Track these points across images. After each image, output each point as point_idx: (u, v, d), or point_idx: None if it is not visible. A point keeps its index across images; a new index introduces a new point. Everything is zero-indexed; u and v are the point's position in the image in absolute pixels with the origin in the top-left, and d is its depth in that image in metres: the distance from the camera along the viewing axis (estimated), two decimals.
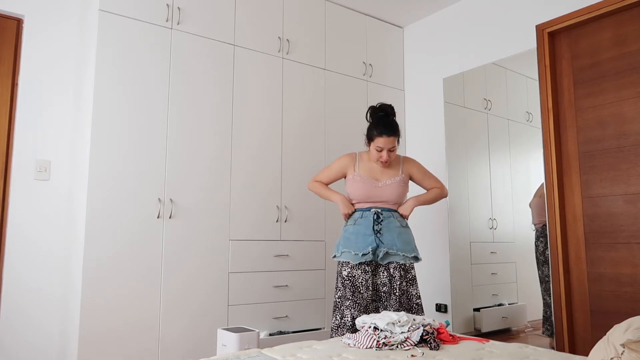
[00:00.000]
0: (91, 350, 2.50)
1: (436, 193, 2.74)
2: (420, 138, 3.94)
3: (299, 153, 3.39)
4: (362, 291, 2.52)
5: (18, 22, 2.82)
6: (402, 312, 2.08)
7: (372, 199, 2.62)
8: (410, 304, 2.55)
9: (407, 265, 2.58)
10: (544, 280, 3.12)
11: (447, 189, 2.83)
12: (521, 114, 3.40)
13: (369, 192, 2.62)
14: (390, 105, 2.72)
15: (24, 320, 2.68)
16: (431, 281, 3.70)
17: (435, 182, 2.77)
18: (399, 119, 3.99)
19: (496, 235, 3.52)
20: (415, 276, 2.61)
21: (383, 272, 2.56)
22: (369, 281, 2.54)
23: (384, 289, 2.55)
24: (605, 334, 1.46)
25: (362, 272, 2.54)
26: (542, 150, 3.05)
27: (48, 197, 2.82)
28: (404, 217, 2.66)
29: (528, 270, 3.24)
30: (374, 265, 2.58)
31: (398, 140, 2.65)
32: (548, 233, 2.99)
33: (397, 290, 2.52)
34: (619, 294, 2.72)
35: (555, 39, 3.11)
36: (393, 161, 2.71)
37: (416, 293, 2.58)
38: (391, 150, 2.62)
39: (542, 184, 3.05)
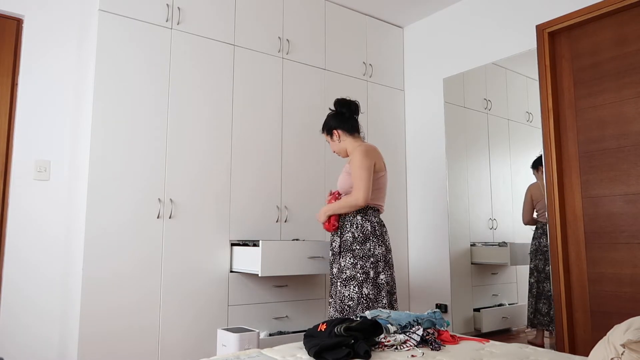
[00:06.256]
0: (91, 350, 2.50)
1: (344, 201, 2.49)
2: (420, 138, 3.94)
3: (299, 153, 3.39)
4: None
5: (18, 22, 2.82)
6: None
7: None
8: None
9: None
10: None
11: (362, 198, 2.40)
12: (521, 114, 3.40)
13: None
14: (337, 100, 2.72)
15: (23, 324, 2.68)
16: (431, 281, 3.70)
17: (354, 185, 2.47)
18: (399, 118, 4.01)
19: (496, 235, 3.51)
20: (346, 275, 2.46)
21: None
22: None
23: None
24: (605, 334, 1.46)
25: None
26: (542, 151, 3.04)
27: (48, 197, 2.82)
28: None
29: (528, 271, 3.24)
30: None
31: (329, 135, 2.69)
32: (548, 233, 2.99)
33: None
34: (619, 294, 2.72)
35: (555, 39, 3.10)
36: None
37: (348, 294, 2.42)
38: (329, 143, 2.73)
39: None
